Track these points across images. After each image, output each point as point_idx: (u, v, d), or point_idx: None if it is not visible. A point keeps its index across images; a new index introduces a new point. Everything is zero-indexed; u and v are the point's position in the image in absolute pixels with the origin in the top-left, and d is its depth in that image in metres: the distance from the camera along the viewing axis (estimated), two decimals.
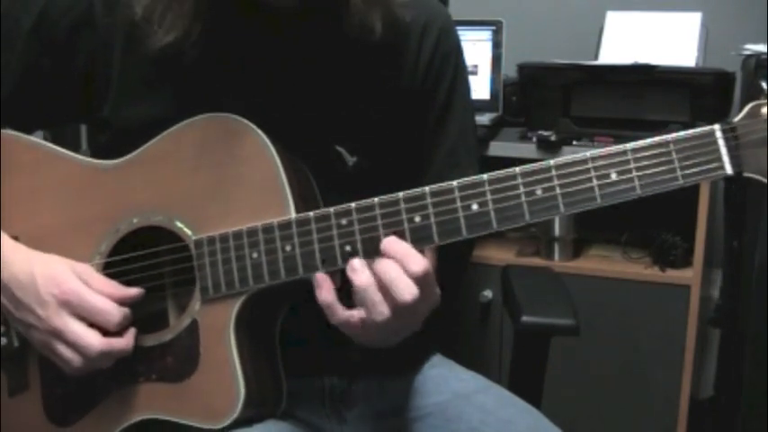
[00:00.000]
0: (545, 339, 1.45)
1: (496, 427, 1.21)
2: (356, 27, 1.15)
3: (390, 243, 1.02)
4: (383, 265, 1.01)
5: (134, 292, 1.13)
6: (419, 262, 1.00)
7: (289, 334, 1.16)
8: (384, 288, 1.00)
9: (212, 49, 1.17)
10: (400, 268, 1.00)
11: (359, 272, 1.02)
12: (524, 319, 1.43)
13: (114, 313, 1.09)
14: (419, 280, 1.00)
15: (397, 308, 1.00)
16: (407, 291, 0.99)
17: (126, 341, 1.11)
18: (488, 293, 2.34)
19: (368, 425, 1.27)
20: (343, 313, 1.03)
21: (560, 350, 1.48)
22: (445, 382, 1.30)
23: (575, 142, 2.23)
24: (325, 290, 1.03)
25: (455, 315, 2.33)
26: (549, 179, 0.99)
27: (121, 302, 1.11)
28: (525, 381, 1.46)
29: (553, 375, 1.49)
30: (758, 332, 2.00)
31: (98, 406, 1.16)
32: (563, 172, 0.99)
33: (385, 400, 1.29)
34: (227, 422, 1.08)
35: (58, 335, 1.09)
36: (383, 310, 1.00)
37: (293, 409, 1.21)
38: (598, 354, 2.27)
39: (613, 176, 0.98)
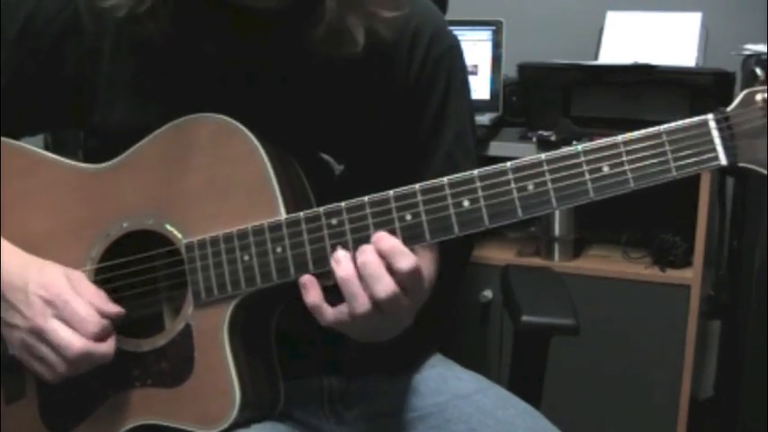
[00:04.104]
0: (545, 339, 1.45)
1: (496, 428, 1.20)
2: (332, 37, 1.12)
3: (380, 238, 1.01)
4: (365, 256, 1.00)
5: (114, 310, 1.12)
6: (407, 259, 0.99)
7: (286, 335, 1.15)
8: (364, 281, 1.00)
9: (196, 55, 1.16)
10: (383, 264, 0.99)
11: (342, 264, 1.01)
12: (524, 319, 1.42)
13: (93, 321, 1.09)
14: (405, 276, 0.99)
15: (376, 303, 0.99)
16: (383, 288, 0.99)
17: (107, 346, 1.10)
18: (488, 293, 2.34)
19: (366, 425, 1.27)
20: (331, 313, 1.02)
21: (560, 350, 1.48)
22: (444, 382, 1.30)
23: (575, 142, 2.21)
24: (312, 292, 1.02)
25: (455, 315, 2.33)
26: (541, 174, 0.98)
27: (102, 315, 1.10)
28: (525, 381, 1.46)
29: (553, 375, 1.48)
30: (758, 332, 2.00)
31: (94, 412, 1.16)
32: (555, 166, 0.97)
33: (384, 400, 1.28)
34: (223, 426, 1.07)
35: (39, 333, 1.09)
36: (364, 303, 1.00)
37: (291, 409, 1.20)
38: (598, 354, 2.27)
39: (606, 170, 0.96)
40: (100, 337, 1.09)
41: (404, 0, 1.18)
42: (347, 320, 1.02)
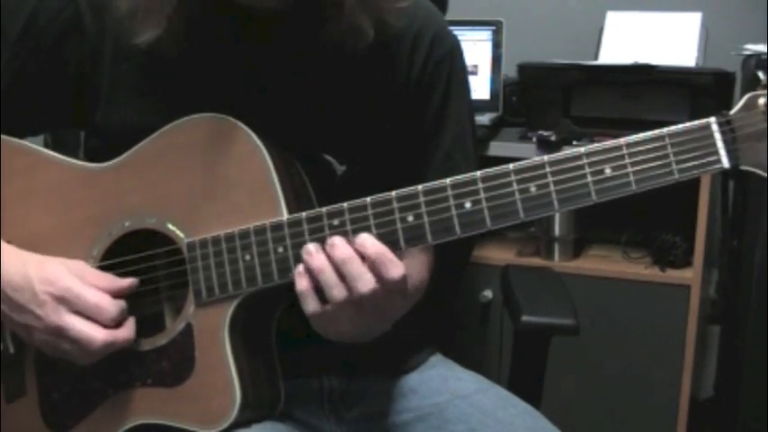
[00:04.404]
0: (545, 339, 1.45)
1: (495, 429, 1.20)
2: (344, 32, 1.13)
3: (365, 242, 1.01)
4: (341, 253, 1.01)
5: (127, 283, 1.12)
6: (397, 268, 1.00)
7: (287, 335, 1.15)
8: (345, 280, 1.00)
9: (199, 55, 1.17)
10: (361, 261, 1.00)
11: (314, 255, 1.02)
12: (524, 319, 1.42)
13: (109, 309, 1.09)
14: (394, 284, 1.00)
15: (357, 299, 1.00)
16: (365, 285, 0.99)
17: (127, 331, 1.11)
18: (488, 293, 2.34)
19: (366, 425, 1.27)
20: (317, 304, 1.02)
21: (560, 350, 1.48)
22: (444, 382, 1.30)
23: (575, 142, 2.23)
24: (304, 280, 1.02)
25: (455, 315, 2.33)
26: (543, 176, 0.98)
27: (116, 295, 1.11)
28: (525, 381, 1.46)
29: (553, 375, 1.48)
30: (758, 332, 2.00)
31: (95, 411, 1.16)
32: (557, 168, 0.98)
33: (384, 400, 1.28)
34: (223, 425, 1.07)
35: (60, 333, 1.09)
36: (340, 291, 1.00)
37: (291, 409, 1.20)
38: (598, 354, 2.27)
39: (608, 172, 0.96)
40: (119, 320, 1.10)
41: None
42: (328, 312, 1.02)
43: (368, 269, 1.00)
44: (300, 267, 1.03)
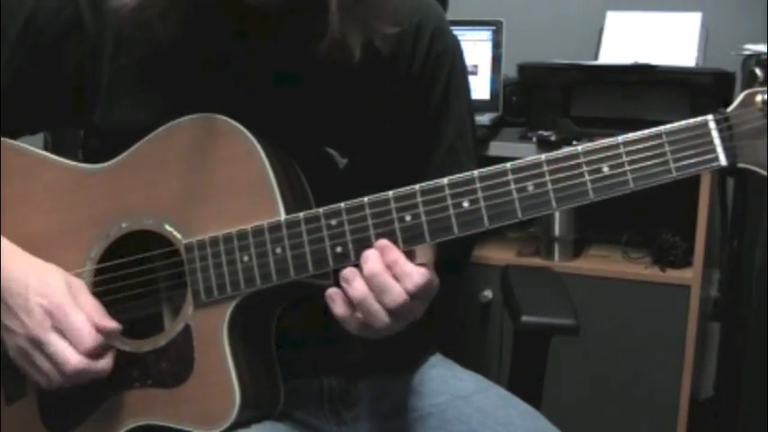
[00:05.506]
0: (545, 339, 1.45)
1: (496, 429, 1.20)
2: (330, 49, 1.12)
3: (383, 250, 1.01)
4: (371, 267, 1.01)
5: (111, 325, 1.10)
6: (413, 279, 1.01)
7: (287, 335, 1.15)
8: (378, 295, 1.01)
9: (198, 51, 1.16)
10: (389, 273, 1.00)
11: (353, 284, 1.02)
12: (524, 319, 1.42)
13: (88, 337, 1.07)
14: (416, 292, 1.01)
15: (389, 312, 1.01)
16: (393, 299, 1.00)
17: (104, 363, 1.09)
18: (488, 293, 2.34)
19: (367, 425, 1.27)
20: (358, 324, 1.03)
21: (560, 350, 1.48)
22: (445, 382, 1.30)
23: (575, 142, 2.22)
24: (339, 304, 1.03)
25: (455, 315, 2.33)
26: (541, 174, 0.98)
27: (98, 330, 1.09)
28: (525, 381, 1.46)
29: (553, 375, 1.48)
30: (758, 332, 1.99)
31: (94, 412, 1.16)
32: (554, 167, 0.98)
33: (384, 400, 1.28)
34: (223, 426, 1.07)
35: (38, 345, 1.08)
36: (383, 318, 1.01)
37: (291, 410, 1.20)
38: (598, 354, 2.27)
39: (606, 170, 0.96)
40: (97, 353, 1.09)
41: (404, 18, 1.19)
42: (371, 331, 1.03)
43: (392, 278, 1.00)
44: (332, 291, 1.03)
